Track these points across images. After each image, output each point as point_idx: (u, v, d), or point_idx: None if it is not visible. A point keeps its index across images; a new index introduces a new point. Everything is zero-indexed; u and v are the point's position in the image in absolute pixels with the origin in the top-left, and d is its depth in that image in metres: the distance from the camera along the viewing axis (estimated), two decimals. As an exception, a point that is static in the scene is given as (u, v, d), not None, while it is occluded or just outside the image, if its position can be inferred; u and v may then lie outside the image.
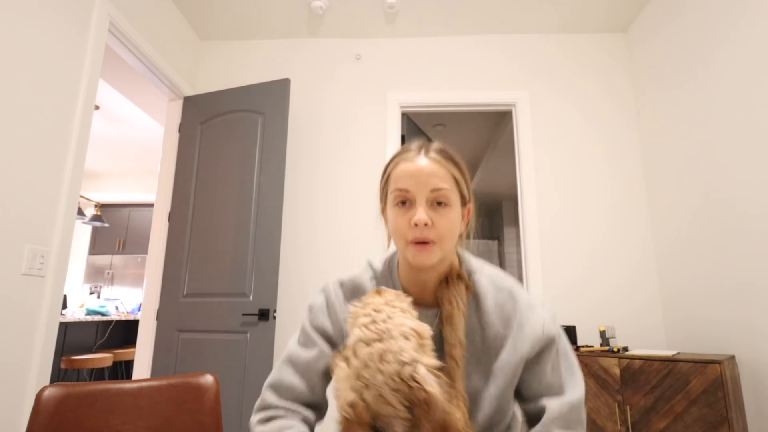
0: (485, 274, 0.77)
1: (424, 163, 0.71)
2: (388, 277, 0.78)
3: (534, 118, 2.77)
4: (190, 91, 2.82)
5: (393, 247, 0.79)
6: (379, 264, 0.81)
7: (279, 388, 0.78)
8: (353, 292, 0.78)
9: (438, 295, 0.74)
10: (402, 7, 2.67)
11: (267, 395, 0.78)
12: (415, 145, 0.75)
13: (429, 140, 0.77)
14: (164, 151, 2.73)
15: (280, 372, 0.79)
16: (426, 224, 0.68)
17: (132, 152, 5.16)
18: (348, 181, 2.72)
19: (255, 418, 0.76)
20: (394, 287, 0.75)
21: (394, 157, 0.76)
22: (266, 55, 2.96)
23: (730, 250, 1.99)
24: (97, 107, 4.05)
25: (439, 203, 0.70)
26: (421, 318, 0.61)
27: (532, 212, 2.62)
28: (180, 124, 2.75)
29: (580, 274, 2.55)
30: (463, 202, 0.74)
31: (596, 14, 2.72)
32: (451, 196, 0.71)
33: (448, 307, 0.71)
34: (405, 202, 0.71)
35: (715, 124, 2.09)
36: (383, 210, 0.79)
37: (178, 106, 2.78)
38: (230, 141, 2.58)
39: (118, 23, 2.12)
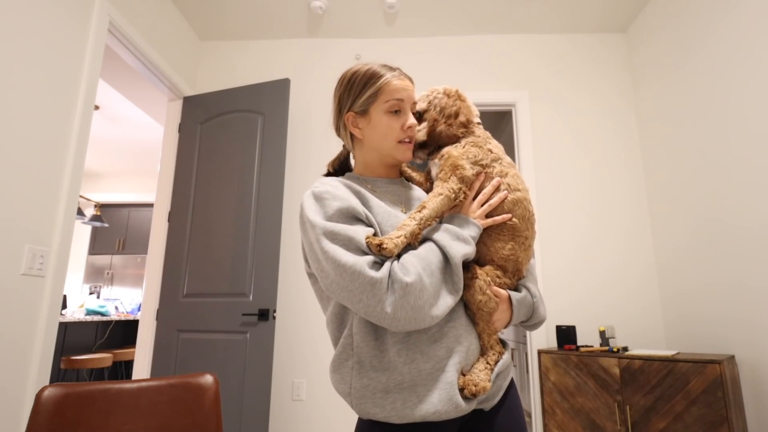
0: None
1: (409, 83, 0.91)
2: (352, 177, 0.97)
3: (534, 118, 2.77)
4: (190, 91, 2.82)
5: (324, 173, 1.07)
6: (332, 176, 0.98)
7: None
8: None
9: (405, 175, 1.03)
10: (402, 7, 2.67)
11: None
12: (394, 67, 0.91)
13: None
14: (164, 151, 2.73)
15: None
16: (411, 127, 0.89)
17: (132, 152, 5.15)
18: (348, 181, 2.72)
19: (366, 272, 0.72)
20: (358, 179, 0.95)
21: (379, 75, 0.89)
22: (266, 55, 2.96)
23: (729, 251, 1.99)
24: (97, 107, 4.05)
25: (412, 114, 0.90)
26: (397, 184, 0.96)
27: (531, 212, 2.62)
28: (180, 124, 2.75)
29: (579, 274, 2.55)
30: None
31: (596, 14, 2.73)
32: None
33: (416, 177, 1.02)
34: (398, 111, 0.89)
35: (714, 123, 2.09)
36: (353, 121, 0.94)
37: (177, 106, 2.78)
38: (230, 141, 2.58)
39: (118, 23, 2.12)
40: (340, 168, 1.06)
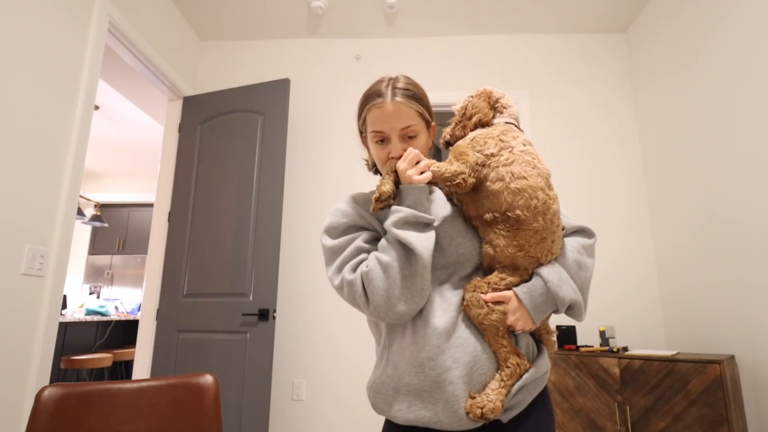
0: None
1: (392, 108, 0.85)
2: (368, 194, 0.95)
3: (534, 118, 2.77)
4: (190, 91, 2.82)
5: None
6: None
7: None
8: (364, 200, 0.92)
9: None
10: (402, 7, 2.67)
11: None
12: (383, 87, 0.87)
13: (395, 78, 0.90)
14: (164, 151, 2.73)
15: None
16: (401, 156, 0.84)
17: (132, 152, 5.15)
18: (348, 180, 2.72)
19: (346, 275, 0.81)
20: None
21: (366, 101, 0.89)
22: (266, 55, 2.96)
23: (729, 250, 1.99)
24: (97, 107, 4.05)
25: (410, 137, 0.86)
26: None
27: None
28: (180, 124, 2.75)
29: (579, 274, 2.54)
30: (428, 125, 0.91)
31: (596, 14, 2.73)
32: (418, 128, 0.87)
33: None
34: (383, 140, 0.87)
35: (714, 123, 2.09)
36: (364, 139, 0.95)
37: (177, 106, 2.78)
38: (230, 141, 2.58)
39: (118, 23, 2.12)
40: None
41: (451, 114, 0.96)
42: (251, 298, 2.31)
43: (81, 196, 5.18)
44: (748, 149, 1.89)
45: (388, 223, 0.78)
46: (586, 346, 2.26)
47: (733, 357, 1.90)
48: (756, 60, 1.85)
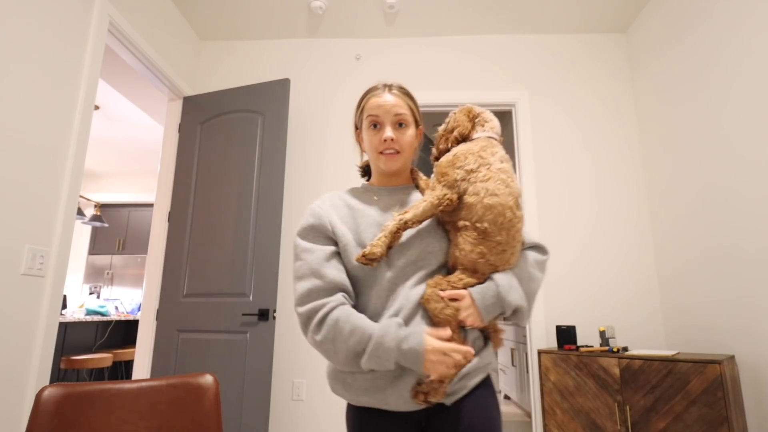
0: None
1: (389, 97, 0.99)
2: (359, 188, 1.06)
3: (534, 118, 2.77)
4: (190, 91, 2.82)
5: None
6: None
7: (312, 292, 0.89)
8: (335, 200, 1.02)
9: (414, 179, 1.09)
10: (402, 7, 2.67)
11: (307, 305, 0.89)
12: (381, 84, 1.02)
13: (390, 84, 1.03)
14: (164, 151, 2.73)
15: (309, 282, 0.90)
16: (392, 139, 0.97)
17: (132, 152, 5.15)
18: (348, 181, 2.72)
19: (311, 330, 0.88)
20: (365, 189, 1.06)
21: (366, 94, 1.02)
22: (266, 55, 2.96)
23: (730, 251, 1.99)
24: (97, 107, 4.05)
25: (400, 124, 0.98)
26: (397, 190, 1.04)
27: (532, 212, 2.62)
28: (180, 124, 2.75)
29: (579, 274, 2.55)
30: (417, 125, 1.03)
31: (596, 14, 2.73)
32: (408, 118, 0.99)
33: (422, 184, 1.05)
34: (377, 125, 0.99)
35: (714, 123, 2.09)
36: (358, 135, 1.06)
37: (177, 106, 2.78)
38: (230, 141, 2.58)
39: (118, 23, 2.12)
40: (368, 168, 1.15)
41: (451, 114, 1.04)
42: (251, 298, 2.31)
43: (81, 196, 5.18)
44: (749, 149, 1.89)
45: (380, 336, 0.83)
46: (586, 346, 2.26)
47: (733, 357, 1.90)
48: (756, 59, 1.85)
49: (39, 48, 1.69)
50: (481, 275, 0.90)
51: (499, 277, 0.89)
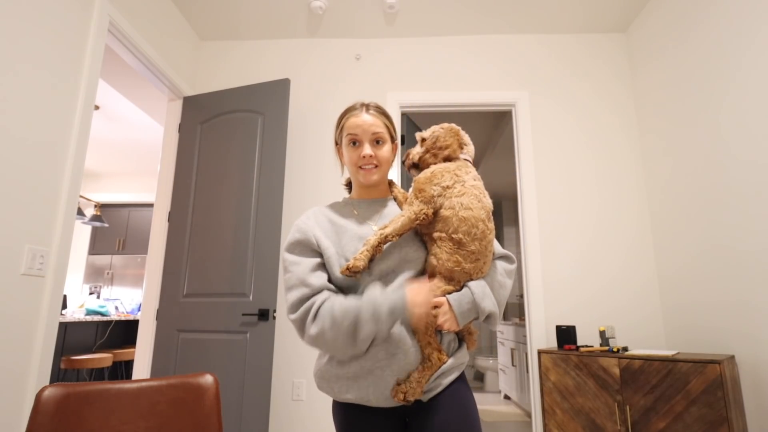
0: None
1: (366, 116, 1.07)
2: (340, 202, 1.15)
3: (534, 118, 2.77)
4: (190, 91, 2.82)
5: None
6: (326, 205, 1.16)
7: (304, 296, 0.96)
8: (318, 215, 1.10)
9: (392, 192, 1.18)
10: (402, 7, 2.67)
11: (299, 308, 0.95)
12: (359, 103, 1.09)
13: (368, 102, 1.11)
14: (164, 151, 2.73)
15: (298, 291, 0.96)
16: (371, 156, 1.05)
17: (132, 152, 5.15)
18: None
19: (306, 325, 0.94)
20: (345, 203, 1.14)
21: (344, 114, 1.10)
22: (266, 55, 2.96)
23: (730, 251, 1.99)
24: (97, 107, 4.05)
25: (378, 142, 1.07)
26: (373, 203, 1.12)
27: (532, 212, 2.62)
28: (180, 124, 2.75)
29: (579, 274, 2.55)
30: (392, 140, 1.12)
31: (596, 14, 2.73)
32: (384, 136, 1.08)
33: (399, 196, 1.13)
34: (356, 142, 1.07)
35: (714, 122, 2.09)
36: (339, 150, 1.14)
37: (177, 106, 2.78)
38: (230, 141, 2.58)
39: (118, 23, 2.12)
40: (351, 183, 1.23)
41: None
42: (251, 298, 2.31)
43: (81, 196, 5.18)
44: (749, 149, 1.89)
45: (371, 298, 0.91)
46: (586, 346, 2.26)
47: (733, 357, 1.90)
48: (756, 59, 1.85)
49: (39, 48, 1.69)
50: (457, 283, 0.98)
51: (474, 285, 0.98)
